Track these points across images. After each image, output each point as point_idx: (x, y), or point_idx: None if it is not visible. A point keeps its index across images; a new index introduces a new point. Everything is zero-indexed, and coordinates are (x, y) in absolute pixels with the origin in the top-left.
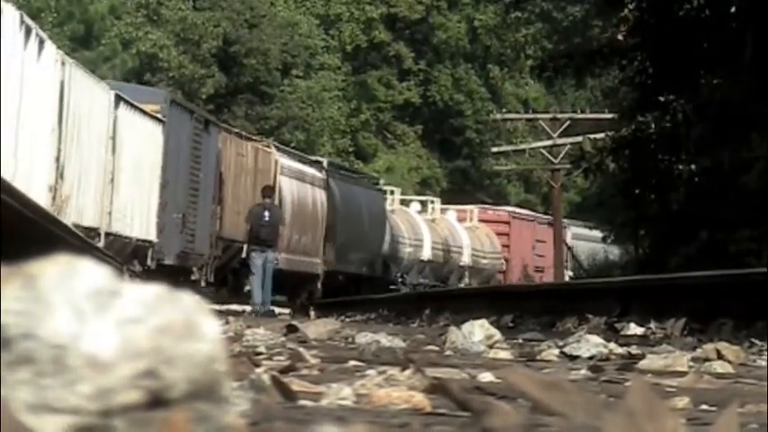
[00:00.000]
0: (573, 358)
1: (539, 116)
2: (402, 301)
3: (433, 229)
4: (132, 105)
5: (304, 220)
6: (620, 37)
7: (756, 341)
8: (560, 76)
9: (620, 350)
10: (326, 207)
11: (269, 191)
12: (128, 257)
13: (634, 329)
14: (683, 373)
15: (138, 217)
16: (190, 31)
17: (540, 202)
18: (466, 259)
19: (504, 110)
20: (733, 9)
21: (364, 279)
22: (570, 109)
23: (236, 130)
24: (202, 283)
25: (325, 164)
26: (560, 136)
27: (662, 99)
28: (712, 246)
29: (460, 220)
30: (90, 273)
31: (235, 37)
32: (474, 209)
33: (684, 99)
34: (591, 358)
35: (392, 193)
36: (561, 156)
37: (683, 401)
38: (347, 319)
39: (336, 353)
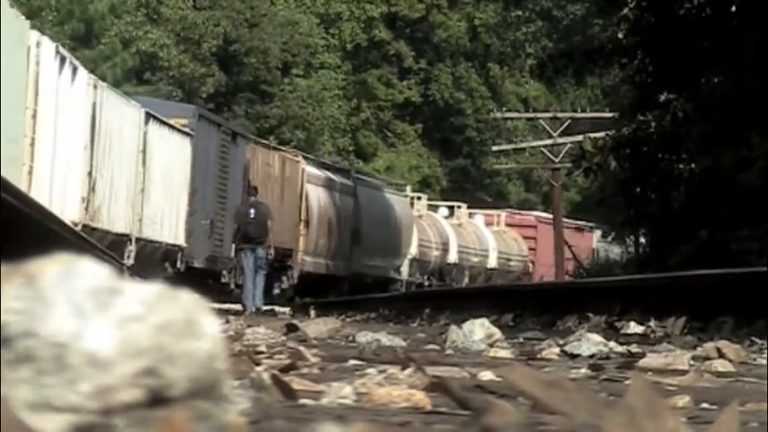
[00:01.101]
0: (573, 357)
1: (539, 115)
2: (402, 300)
3: (460, 233)
4: (161, 121)
5: (330, 225)
6: (620, 36)
7: (757, 339)
8: (560, 76)
9: (621, 349)
10: (353, 213)
11: (253, 190)
12: (159, 261)
13: (634, 328)
14: (683, 372)
15: (167, 223)
16: (190, 30)
17: (541, 201)
18: (492, 262)
19: (504, 109)
20: (733, 8)
21: (391, 281)
22: (570, 108)
23: (264, 141)
24: (231, 285)
25: (352, 172)
26: (561, 135)
27: (662, 98)
28: (713, 244)
29: (488, 224)
30: (90, 271)
31: (235, 36)
32: (501, 213)
33: (685, 98)
34: (591, 357)
35: (419, 198)
36: (561, 155)
37: (683, 400)
38: (347, 319)
39: (337, 352)
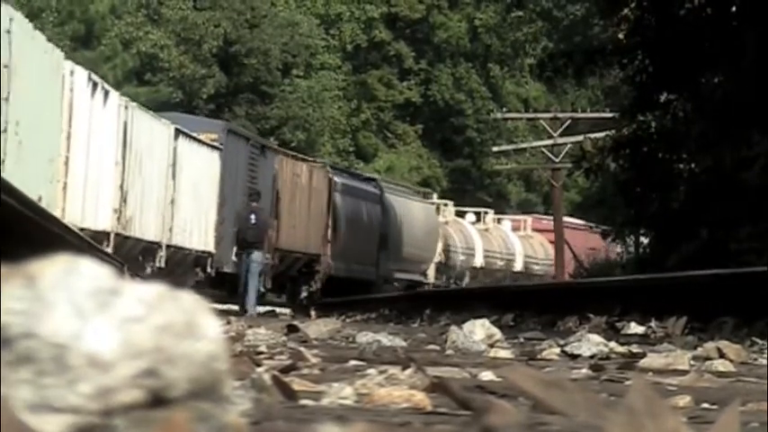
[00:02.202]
0: (574, 357)
1: (539, 115)
2: (403, 300)
3: (486, 238)
4: (190, 136)
5: (357, 232)
6: (620, 36)
7: (757, 340)
8: (561, 76)
9: (621, 349)
10: (380, 220)
11: (256, 195)
12: (190, 266)
13: (635, 328)
14: (684, 372)
15: (197, 231)
16: (190, 30)
17: (541, 201)
18: (519, 266)
19: (504, 109)
20: (733, 8)
21: (417, 285)
22: (571, 108)
23: (293, 153)
24: (261, 289)
25: (378, 181)
26: (561, 135)
27: (662, 98)
28: (713, 244)
29: (515, 229)
30: (90, 272)
31: (235, 37)
32: (528, 219)
33: (685, 98)
34: (592, 357)
35: (446, 205)
36: (562, 155)
37: (684, 400)
38: (348, 319)
39: (337, 352)
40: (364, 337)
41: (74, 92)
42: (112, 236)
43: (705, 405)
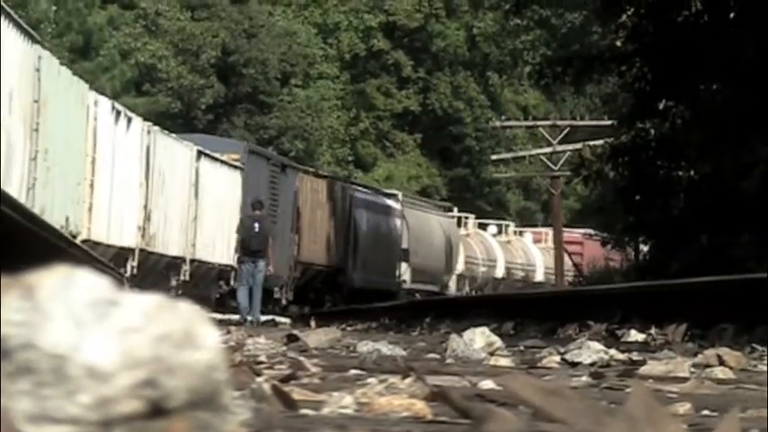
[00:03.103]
0: (574, 365)
1: (538, 123)
2: (403, 309)
3: (508, 250)
4: (212, 157)
5: (378, 245)
6: (618, 43)
7: (757, 346)
8: (559, 82)
9: (621, 356)
10: (402, 233)
11: (259, 204)
12: (214, 279)
13: (635, 336)
14: (684, 379)
15: (219, 246)
16: (188, 41)
17: (540, 209)
18: (539, 276)
19: (503, 117)
20: (731, 14)
21: (438, 296)
22: (569, 116)
23: (313, 170)
24: (283, 301)
25: (399, 196)
26: (560, 143)
27: (661, 105)
28: (713, 251)
29: (536, 241)
30: (89, 282)
31: (233, 47)
32: (549, 231)
33: (683, 105)
34: (592, 365)
35: (467, 218)
36: (561, 163)
37: (684, 407)
38: (348, 328)
39: (337, 361)
40: (364, 347)
41: (98, 120)
42: (137, 252)
43: (705, 412)
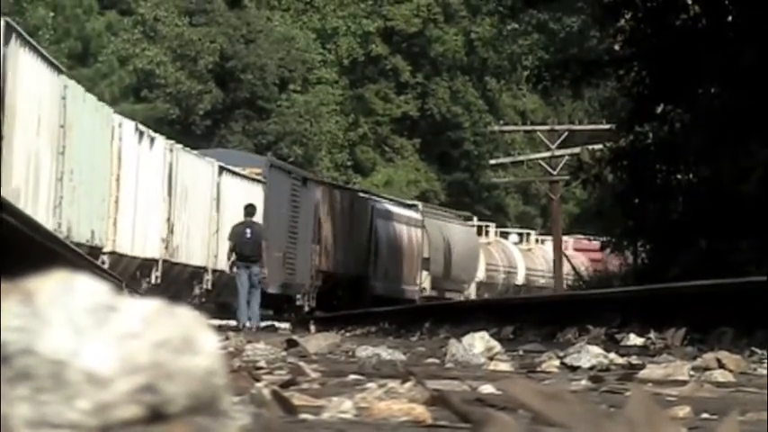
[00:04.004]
0: (573, 369)
1: (536, 128)
2: (402, 314)
3: (529, 257)
4: (233, 172)
5: (398, 254)
6: (617, 47)
7: (757, 350)
8: (557, 86)
9: (621, 360)
10: (422, 243)
11: (251, 209)
12: (236, 288)
13: (634, 340)
14: (683, 383)
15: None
16: (186, 47)
17: (540, 213)
18: None
19: (501, 122)
20: (730, 18)
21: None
22: (568, 120)
23: (332, 182)
24: (306, 308)
25: (420, 206)
26: (558, 147)
27: (659, 109)
28: (712, 255)
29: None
30: (88, 288)
31: (231, 52)
32: (570, 239)
33: (682, 108)
34: (591, 369)
35: (488, 227)
36: (560, 167)
37: (683, 411)
38: (347, 333)
39: (337, 366)
40: (364, 351)
41: (122, 140)
42: (161, 262)
43: (705, 415)
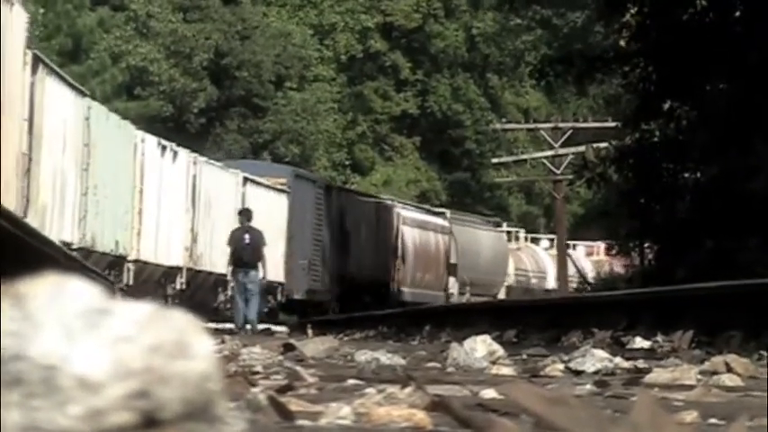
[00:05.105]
0: (578, 373)
1: (540, 126)
2: (402, 317)
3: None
4: (257, 183)
5: (426, 261)
6: (622, 43)
7: (766, 353)
8: (561, 81)
9: (627, 364)
10: (449, 249)
11: (248, 213)
12: (261, 294)
13: (640, 343)
14: (690, 387)
15: (267, 264)
16: (180, 43)
17: (543, 214)
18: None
19: (504, 120)
20: (737, 13)
21: None
22: (572, 118)
23: (360, 191)
24: (330, 313)
25: (447, 214)
26: (562, 145)
27: (666, 106)
28: (720, 255)
29: (588, 254)
30: (80, 291)
31: (226, 49)
32: (601, 244)
33: (689, 105)
34: (596, 373)
35: (518, 232)
36: (564, 166)
37: (691, 415)
38: (346, 337)
39: (335, 371)
40: (363, 356)
41: (145, 155)
42: (184, 270)
43: (712, 420)
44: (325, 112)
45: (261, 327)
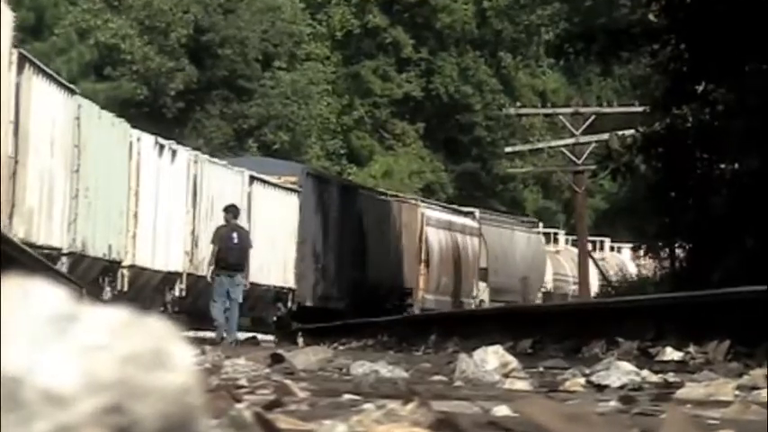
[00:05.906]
0: (601, 388)
1: (558, 110)
2: (404, 324)
3: (601, 266)
4: (264, 181)
5: (453, 265)
6: (651, 17)
7: None
8: (581, 60)
9: (655, 378)
10: (479, 252)
11: (234, 209)
12: (271, 301)
13: (671, 354)
14: (727, 403)
15: (275, 269)
16: (156, 18)
17: (562, 209)
18: None
19: (518, 104)
20: None
21: None
22: (595, 102)
23: (380, 191)
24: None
25: (476, 214)
26: (584, 133)
27: (700, 88)
28: (760, 256)
29: (635, 258)
30: (47, 295)
31: (207, 24)
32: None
33: (725, 88)
34: (621, 388)
35: (557, 234)
36: (585, 156)
37: None
38: (341, 347)
39: (329, 385)
40: (360, 368)
41: (141, 155)
42: (185, 276)
43: None
44: (318, 94)
45: (241, 336)
